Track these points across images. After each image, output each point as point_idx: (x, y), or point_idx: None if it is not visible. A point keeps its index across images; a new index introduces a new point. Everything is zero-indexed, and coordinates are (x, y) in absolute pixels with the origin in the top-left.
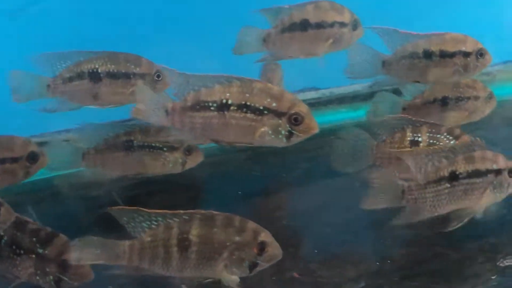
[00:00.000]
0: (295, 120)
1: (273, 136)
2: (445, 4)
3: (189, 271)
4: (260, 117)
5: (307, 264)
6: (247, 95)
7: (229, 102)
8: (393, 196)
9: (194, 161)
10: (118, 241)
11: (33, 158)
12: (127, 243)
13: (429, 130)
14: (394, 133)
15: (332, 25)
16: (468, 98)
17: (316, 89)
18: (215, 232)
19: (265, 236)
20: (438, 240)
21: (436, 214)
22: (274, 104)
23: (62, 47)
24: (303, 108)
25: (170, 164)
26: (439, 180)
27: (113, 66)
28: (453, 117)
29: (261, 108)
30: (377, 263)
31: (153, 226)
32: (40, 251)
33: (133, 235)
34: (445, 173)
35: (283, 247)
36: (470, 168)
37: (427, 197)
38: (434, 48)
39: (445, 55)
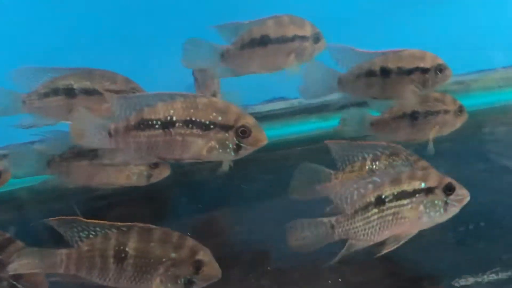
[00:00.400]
0: (243, 133)
1: (220, 150)
2: (422, 13)
3: (125, 283)
4: (206, 132)
5: (259, 282)
6: (192, 110)
7: (174, 119)
8: (324, 235)
9: (160, 174)
10: (55, 250)
11: None
12: (64, 251)
13: (389, 158)
14: (354, 162)
15: (292, 39)
16: (438, 112)
17: (284, 99)
18: (152, 246)
19: (203, 255)
20: (393, 261)
21: (372, 242)
22: (220, 118)
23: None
24: (249, 120)
25: (134, 176)
26: (366, 207)
27: (88, 82)
28: (423, 132)
29: (207, 122)
30: (329, 281)
31: (91, 236)
32: None
33: (72, 245)
34: (371, 198)
35: (236, 262)
36: (396, 190)
37: (357, 227)
38: (392, 65)
39: (402, 72)
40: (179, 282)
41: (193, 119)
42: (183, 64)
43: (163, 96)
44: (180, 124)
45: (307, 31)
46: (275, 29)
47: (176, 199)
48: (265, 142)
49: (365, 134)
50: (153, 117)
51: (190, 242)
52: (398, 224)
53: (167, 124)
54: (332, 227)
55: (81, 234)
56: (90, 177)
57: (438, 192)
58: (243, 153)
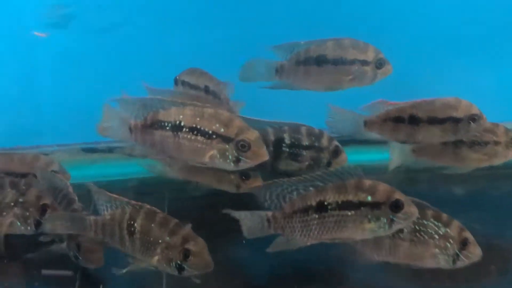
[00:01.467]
0: (242, 147)
1: (221, 160)
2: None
3: (136, 254)
4: (209, 140)
5: None
6: (198, 118)
7: (182, 124)
8: (261, 227)
9: (249, 185)
10: (85, 216)
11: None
12: (92, 217)
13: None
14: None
15: (351, 62)
16: (487, 142)
17: None
18: (153, 227)
19: (193, 245)
20: None
21: (309, 243)
22: (222, 130)
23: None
24: (250, 136)
25: (225, 183)
26: (306, 210)
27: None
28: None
29: (210, 132)
30: None
31: (113, 207)
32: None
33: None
34: (313, 202)
35: None
36: (340, 199)
37: (295, 227)
38: (421, 114)
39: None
40: (171, 264)
41: (198, 126)
42: (240, 79)
43: (176, 103)
44: (187, 130)
45: (369, 55)
46: (333, 50)
47: None
48: (264, 158)
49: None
50: (165, 119)
51: (184, 231)
52: (338, 232)
53: (176, 128)
54: (268, 221)
55: (106, 204)
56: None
57: (385, 208)
58: (243, 165)
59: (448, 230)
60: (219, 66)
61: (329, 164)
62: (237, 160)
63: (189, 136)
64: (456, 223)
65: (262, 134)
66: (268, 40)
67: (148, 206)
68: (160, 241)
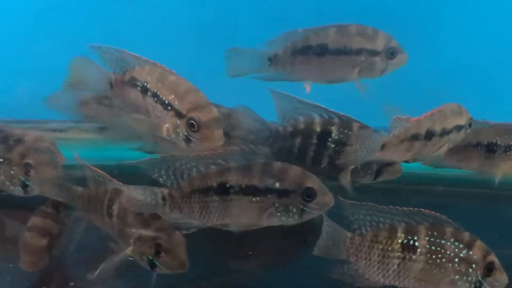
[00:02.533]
0: (191, 126)
1: (173, 136)
2: None
3: (116, 238)
4: (165, 111)
5: None
6: (159, 84)
7: (147, 86)
8: (154, 203)
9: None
10: (72, 185)
11: None
12: (79, 188)
13: (430, 232)
14: (379, 229)
15: (357, 52)
16: None
17: None
18: (128, 213)
19: (167, 241)
20: None
21: (209, 225)
22: (176, 102)
23: None
24: (203, 115)
25: None
26: (206, 191)
27: None
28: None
29: (166, 103)
30: None
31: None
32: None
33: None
34: (213, 183)
35: None
36: (244, 182)
37: (193, 207)
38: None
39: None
40: (143, 257)
41: (158, 93)
42: (228, 75)
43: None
44: (151, 94)
45: (379, 44)
46: (336, 38)
47: None
48: (216, 142)
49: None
50: (138, 77)
51: (159, 223)
52: (241, 217)
53: (144, 90)
54: (164, 198)
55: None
56: None
57: (295, 197)
58: (194, 147)
59: (471, 253)
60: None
61: (379, 172)
62: (187, 140)
63: (152, 102)
64: (480, 244)
65: (306, 123)
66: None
67: None
68: (133, 230)
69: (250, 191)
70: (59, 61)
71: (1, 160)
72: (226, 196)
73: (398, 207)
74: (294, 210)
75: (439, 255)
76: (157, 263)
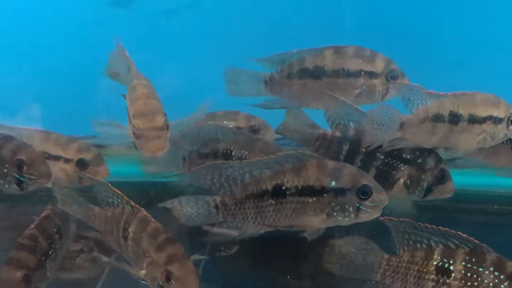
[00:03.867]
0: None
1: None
2: None
3: (131, 261)
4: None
5: None
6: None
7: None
8: (207, 213)
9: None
10: (91, 205)
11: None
12: (97, 208)
13: (468, 257)
14: (415, 249)
15: (357, 74)
16: None
17: None
18: (142, 237)
19: (178, 268)
20: None
21: (263, 231)
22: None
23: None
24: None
25: None
26: (261, 196)
27: None
28: None
29: None
30: None
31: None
32: None
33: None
34: (268, 187)
35: None
36: (300, 183)
37: (247, 213)
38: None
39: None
40: (154, 283)
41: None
42: (228, 93)
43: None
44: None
45: (378, 66)
46: (333, 60)
47: None
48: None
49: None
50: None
51: (173, 248)
52: (297, 220)
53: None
54: (217, 207)
55: (107, 200)
56: None
57: (350, 195)
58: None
59: None
60: None
61: (429, 189)
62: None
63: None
64: None
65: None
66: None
67: (144, 212)
68: (147, 254)
69: (306, 191)
70: None
71: None
72: (282, 199)
73: (434, 226)
74: (351, 209)
75: (475, 283)
76: None
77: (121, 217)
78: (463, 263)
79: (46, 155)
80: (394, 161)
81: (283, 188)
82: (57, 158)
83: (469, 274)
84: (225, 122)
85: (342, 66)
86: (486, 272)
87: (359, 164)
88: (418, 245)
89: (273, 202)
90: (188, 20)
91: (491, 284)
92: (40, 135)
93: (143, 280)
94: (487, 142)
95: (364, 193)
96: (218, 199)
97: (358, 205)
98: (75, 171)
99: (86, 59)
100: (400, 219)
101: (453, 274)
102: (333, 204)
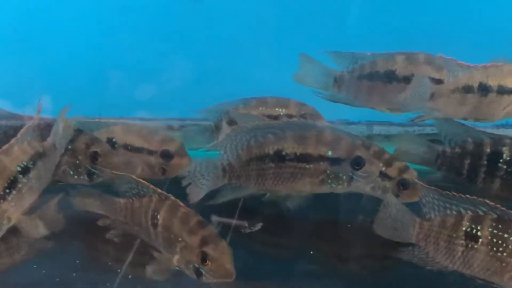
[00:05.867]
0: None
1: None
2: None
3: (161, 248)
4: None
5: None
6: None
7: None
8: (216, 178)
9: None
10: (115, 198)
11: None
12: (121, 200)
13: (495, 224)
14: (446, 216)
15: None
16: None
17: None
18: (173, 222)
19: (213, 248)
20: None
21: (263, 192)
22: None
23: None
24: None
25: None
26: (262, 158)
27: None
28: None
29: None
30: None
31: (140, 194)
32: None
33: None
34: (270, 151)
35: None
36: (299, 150)
37: (250, 175)
38: (492, 82)
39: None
40: (189, 266)
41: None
42: (294, 79)
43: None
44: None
45: (444, 74)
46: (404, 65)
47: None
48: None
49: None
50: None
51: (205, 231)
52: (294, 183)
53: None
54: (224, 170)
55: (132, 191)
56: None
57: (345, 165)
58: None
59: None
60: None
61: None
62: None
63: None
64: None
65: (475, 145)
66: None
67: (173, 198)
68: (179, 239)
69: (304, 158)
70: None
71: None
72: (281, 163)
73: (462, 195)
74: (344, 177)
75: (501, 248)
76: (203, 271)
77: (149, 206)
78: (490, 229)
79: (129, 147)
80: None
81: (283, 153)
82: (140, 150)
83: (495, 240)
84: (276, 109)
85: (413, 71)
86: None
87: (483, 175)
88: (448, 211)
89: (273, 165)
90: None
91: None
92: (121, 128)
93: (177, 266)
94: None
95: (357, 164)
96: (225, 162)
97: (351, 174)
98: (159, 163)
99: (95, 52)
100: (430, 186)
101: (480, 240)
102: (328, 172)
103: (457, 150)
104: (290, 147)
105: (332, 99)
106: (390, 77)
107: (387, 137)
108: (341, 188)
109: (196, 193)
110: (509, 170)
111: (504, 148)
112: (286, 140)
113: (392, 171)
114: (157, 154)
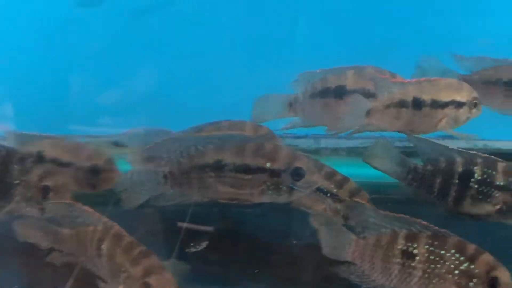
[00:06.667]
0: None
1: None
2: None
3: (107, 278)
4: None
5: None
6: None
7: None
8: (157, 184)
9: None
10: (59, 227)
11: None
12: (66, 230)
13: (430, 241)
14: (381, 234)
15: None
16: None
17: None
18: (118, 252)
19: (156, 280)
20: None
21: (206, 199)
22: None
23: None
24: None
25: None
26: (203, 167)
27: None
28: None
29: None
30: None
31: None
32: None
33: None
34: (210, 161)
35: None
36: (238, 161)
37: (192, 183)
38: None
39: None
40: None
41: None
42: (253, 119)
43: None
44: None
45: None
46: (355, 80)
47: None
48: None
49: None
50: None
51: (149, 261)
52: (233, 193)
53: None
54: (165, 177)
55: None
56: None
57: (285, 176)
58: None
59: (473, 266)
60: None
61: None
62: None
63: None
64: (486, 258)
65: (447, 163)
66: None
67: (117, 227)
68: (123, 269)
69: (243, 169)
70: None
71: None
72: (221, 173)
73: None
74: (284, 188)
75: (438, 265)
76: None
77: (94, 235)
78: (426, 247)
79: (57, 162)
80: (488, 188)
81: (223, 163)
82: (67, 164)
83: (431, 257)
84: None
85: (363, 86)
86: (448, 254)
87: (454, 194)
88: (383, 229)
89: (213, 174)
90: (159, 19)
91: (452, 265)
92: (50, 142)
93: None
94: (450, 126)
95: (297, 174)
96: (166, 169)
97: (291, 185)
98: (87, 178)
99: (56, 59)
100: (364, 204)
101: (417, 258)
102: (268, 183)
103: (429, 167)
104: (229, 158)
105: (293, 125)
106: (341, 92)
107: (335, 150)
108: (282, 199)
109: (133, 199)
110: (480, 189)
111: (476, 168)
112: (226, 150)
113: (343, 193)
114: (84, 169)
